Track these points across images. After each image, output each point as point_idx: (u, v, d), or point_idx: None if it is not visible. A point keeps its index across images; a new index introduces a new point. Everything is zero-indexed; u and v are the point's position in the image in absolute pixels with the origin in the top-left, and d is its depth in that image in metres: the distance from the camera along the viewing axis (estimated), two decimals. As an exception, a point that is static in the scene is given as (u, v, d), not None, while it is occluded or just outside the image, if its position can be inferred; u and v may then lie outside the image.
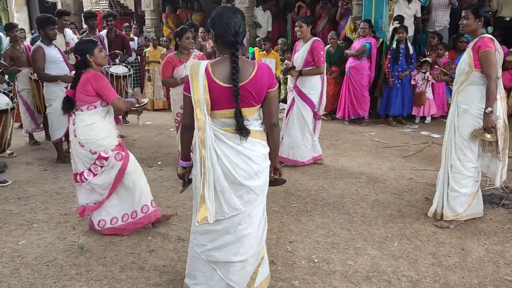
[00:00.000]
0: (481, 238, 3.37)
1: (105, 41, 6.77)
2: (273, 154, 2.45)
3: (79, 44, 3.52)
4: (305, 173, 4.93)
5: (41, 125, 6.35)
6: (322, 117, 7.82)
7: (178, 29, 4.80)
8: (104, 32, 6.94)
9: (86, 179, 3.39)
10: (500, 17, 8.11)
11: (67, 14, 6.63)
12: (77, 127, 3.35)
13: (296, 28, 4.97)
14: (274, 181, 2.60)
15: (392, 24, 7.31)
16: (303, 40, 5.00)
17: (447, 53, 7.41)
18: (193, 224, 2.44)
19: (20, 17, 13.32)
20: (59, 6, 13.02)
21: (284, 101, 8.40)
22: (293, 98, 5.08)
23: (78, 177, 3.46)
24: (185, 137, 2.39)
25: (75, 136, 3.36)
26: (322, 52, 4.89)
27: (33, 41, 6.80)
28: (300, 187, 4.51)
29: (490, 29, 3.35)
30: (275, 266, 3.03)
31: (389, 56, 7.18)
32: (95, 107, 3.33)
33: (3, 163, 5.29)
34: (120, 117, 6.58)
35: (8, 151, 5.62)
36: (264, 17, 9.97)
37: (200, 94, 2.18)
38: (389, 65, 7.19)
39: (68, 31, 6.72)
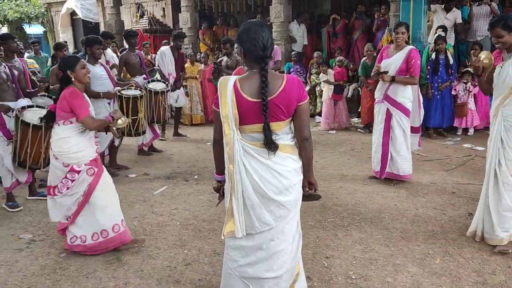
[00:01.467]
0: (532, 256, 3.18)
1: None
2: (307, 169, 2.40)
3: (63, 61, 3.57)
4: (342, 187, 4.85)
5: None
6: (360, 130, 7.80)
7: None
8: (167, 48, 7.20)
9: (60, 193, 3.41)
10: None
11: (111, 38, 6.97)
12: (52, 140, 3.45)
13: (397, 35, 4.66)
14: (309, 196, 2.53)
15: (436, 33, 7.14)
16: (397, 47, 4.74)
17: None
18: (227, 241, 2.42)
19: (65, 38, 13.97)
20: (101, 26, 13.63)
21: (320, 114, 8.37)
22: (387, 110, 4.75)
23: (51, 190, 3.48)
24: (217, 151, 2.40)
25: (51, 148, 3.46)
26: (419, 62, 4.71)
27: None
28: (337, 201, 4.43)
29: None
30: (311, 282, 2.98)
31: (429, 68, 7.01)
32: (71, 122, 3.37)
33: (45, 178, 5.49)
34: (158, 131, 6.76)
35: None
36: (299, 31, 9.99)
37: (228, 109, 2.20)
38: (428, 76, 7.01)
39: (108, 50, 7.01)
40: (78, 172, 3.36)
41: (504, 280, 2.89)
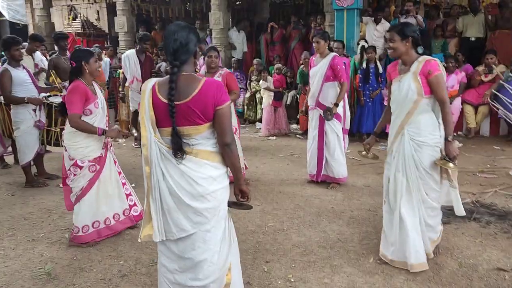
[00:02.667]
0: (454, 252, 3.40)
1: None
2: (235, 176, 2.32)
3: (76, 52, 3.72)
4: (282, 192, 4.92)
5: (9, 148, 6.17)
6: (298, 136, 7.99)
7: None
8: (131, 52, 6.94)
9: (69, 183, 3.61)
10: (465, 37, 8.43)
11: (41, 41, 6.56)
12: (64, 132, 3.64)
13: (314, 44, 4.94)
14: (241, 205, 2.41)
15: (358, 44, 7.54)
16: (320, 55, 4.94)
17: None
18: (158, 246, 2.36)
19: (-11, 40, 13.08)
20: (30, 29, 12.88)
21: (260, 120, 8.47)
22: (320, 116, 4.93)
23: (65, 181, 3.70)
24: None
25: (63, 140, 3.65)
26: (344, 67, 4.92)
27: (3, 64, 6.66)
28: (276, 206, 4.49)
29: (420, 49, 3.06)
30: (251, 287, 2.98)
31: (360, 76, 7.35)
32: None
33: (-32, 188, 5.08)
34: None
35: (-27, 176, 5.42)
36: (239, 38, 10.07)
37: (145, 110, 2.17)
38: (360, 84, 7.35)
39: (37, 53, 6.64)
40: (81, 167, 3.53)
41: (432, 276, 3.06)
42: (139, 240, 2.31)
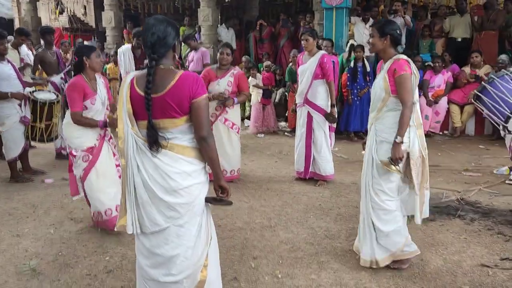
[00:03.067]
0: (439, 248, 3.44)
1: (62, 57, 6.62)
2: (213, 171, 2.28)
3: (79, 47, 3.98)
4: (270, 189, 4.93)
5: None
6: (287, 134, 8.01)
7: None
8: (127, 47, 6.84)
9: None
10: (452, 37, 8.53)
11: (27, 35, 6.47)
12: (63, 122, 3.83)
13: (302, 42, 4.90)
14: (220, 201, 2.35)
15: (348, 42, 7.57)
16: (309, 53, 4.91)
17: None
18: (135, 242, 2.36)
19: (-27, 33, 12.83)
20: (16, 23, 12.67)
21: (249, 117, 8.46)
22: (308, 114, 4.95)
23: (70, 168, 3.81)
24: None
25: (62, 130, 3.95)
26: (332, 66, 4.91)
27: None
28: (264, 203, 4.49)
29: (400, 48, 3.12)
30: (238, 282, 2.98)
31: (348, 75, 7.39)
32: None
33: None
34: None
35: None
36: (227, 35, 10.03)
37: (122, 103, 2.18)
38: (348, 83, 7.39)
39: (23, 47, 6.54)
40: (74, 156, 3.64)
41: (417, 272, 3.09)
42: (115, 229, 2.36)
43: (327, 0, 7.91)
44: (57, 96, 5.41)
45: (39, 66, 6.21)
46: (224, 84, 4.94)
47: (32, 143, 5.65)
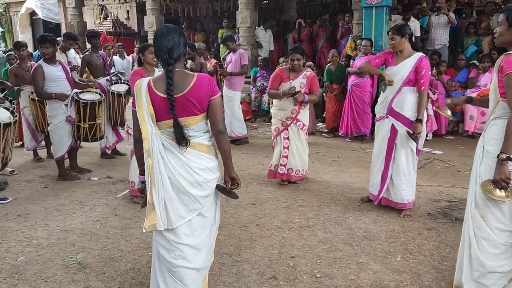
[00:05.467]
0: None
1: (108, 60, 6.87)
2: (225, 163, 2.47)
3: (139, 46, 4.76)
4: (307, 189, 4.91)
5: (42, 143, 6.39)
6: (324, 134, 7.94)
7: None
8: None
9: None
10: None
11: (74, 39, 6.73)
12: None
13: (389, 43, 4.06)
14: (229, 193, 2.50)
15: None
16: (401, 54, 4.02)
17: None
18: (154, 235, 2.50)
19: (24, 38, 13.46)
20: (63, 27, 13.25)
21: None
22: (392, 127, 4.04)
23: None
24: (138, 151, 2.49)
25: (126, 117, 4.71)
26: (429, 73, 4.07)
27: (37, 60, 6.89)
28: (302, 202, 4.48)
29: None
30: (276, 281, 2.99)
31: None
32: None
33: (4, 180, 5.28)
34: (123, 134, 6.63)
35: (9, 169, 5.63)
36: (265, 37, 10.08)
37: (144, 107, 2.33)
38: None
39: (71, 51, 6.83)
40: (130, 134, 4.32)
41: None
42: (144, 230, 2.40)
43: (367, -1, 7.79)
44: (101, 96, 5.60)
45: (86, 69, 6.47)
46: (296, 85, 4.85)
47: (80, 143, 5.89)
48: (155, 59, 4.29)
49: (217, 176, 2.48)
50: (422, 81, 3.90)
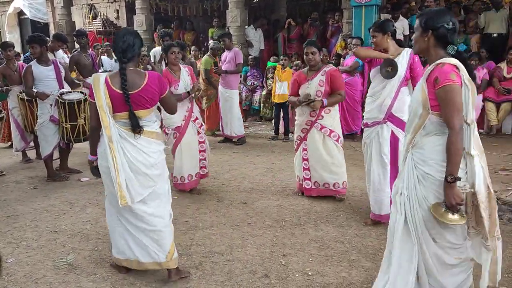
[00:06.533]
0: (475, 248, 3.35)
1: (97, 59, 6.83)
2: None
3: (164, 46, 4.87)
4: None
5: (31, 143, 6.32)
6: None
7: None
8: (158, 49, 7.13)
9: None
10: (487, 33, 8.28)
11: (63, 41, 6.68)
12: None
13: (371, 40, 3.77)
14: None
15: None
16: (391, 52, 3.64)
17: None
18: (108, 208, 3.01)
19: (12, 38, 13.29)
20: (51, 27, 13.12)
21: (270, 119, 8.44)
22: (392, 134, 3.64)
23: None
24: (93, 136, 2.93)
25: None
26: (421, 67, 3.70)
27: (25, 60, 6.81)
28: (293, 201, 4.49)
29: (451, 48, 2.21)
30: (268, 279, 2.99)
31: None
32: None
33: (-8, 181, 5.22)
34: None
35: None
36: (256, 36, 10.07)
37: (102, 100, 2.71)
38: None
39: (59, 51, 6.77)
40: (167, 134, 4.67)
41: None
42: (120, 205, 2.75)
43: (356, -2, 7.83)
44: (84, 95, 5.35)
45: (75, 68, 6.42)
46: (315, 84, 4.33)
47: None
48: (177, 59, 4.63)
49: (164, 158, 2.96)
50: (418, 78, 3.46)
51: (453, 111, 2.14)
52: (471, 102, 2.17)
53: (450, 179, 2.14)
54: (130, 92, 2.70)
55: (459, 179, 2.16)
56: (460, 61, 2.22)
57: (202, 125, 4.94)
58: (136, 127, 2.75)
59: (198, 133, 4.80)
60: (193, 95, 4.67)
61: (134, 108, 2.74)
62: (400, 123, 3.58)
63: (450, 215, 2.17)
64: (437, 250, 2.29)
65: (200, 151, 4.84)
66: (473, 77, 2.24)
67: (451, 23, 2.24)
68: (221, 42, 7.27)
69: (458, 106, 2.14)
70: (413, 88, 3.34)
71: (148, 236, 2.90)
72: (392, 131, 3.65)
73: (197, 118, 4.78)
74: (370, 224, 3.84)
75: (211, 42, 7.54)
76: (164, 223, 2.93)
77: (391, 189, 3.43)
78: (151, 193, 2.87)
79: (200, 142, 4.83)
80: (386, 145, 3.65)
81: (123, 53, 2.76)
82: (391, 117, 3.64)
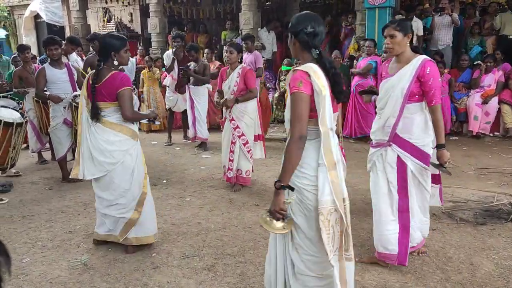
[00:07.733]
0: (490, 253, 3.30)
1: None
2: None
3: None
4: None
5: (47, 145, 6.41)
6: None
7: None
8: (171, 52, 7.22)
9: None
10: (503, 35, 8.17)
11: (78, 45, 6.79)
12: None
13: (389, 40, 3.02)
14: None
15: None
16: (397, 58, 3.09)
17: (446, 70, 7.45)
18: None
19: (29, 41, 13.52)
20: (67, 30, 13.31)
21: (282, 121, 8.42)
22: (399, 160, 3.04)
23: None
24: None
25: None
26: (439, 80, 3.11)
27: (41, 62, 6.92)
28: (305, 204, 4.47)
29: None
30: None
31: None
32: None
33: (8, 182, 5.31)
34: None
35: (13, 170, 5.66)
36: (268, 38, 10.08)
37: (83, 89, 3.38)
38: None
39: (73, 54, 6.86)
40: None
41: (468, 277, 2.99)
42: (70, 177, 3.52)
43: (369, 0, 7.79)
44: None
45: (89, 70, 6.49)
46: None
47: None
48: (228, 58, 4.99)
49: (122, 149, 3.29)
50: (432, 93, 2.94)
51: (294, 119, 2.10)
52: (326, 108, 2.09)
53: (278, 185, 2.09)
54: (96, 85, 3.21)
55: (291, 188, 2.10)
56: (320, 66, 2.14)
57: (238, 127, 4.94)
58: (93, 115, 3.26)
59: (234, 129, 4.96)
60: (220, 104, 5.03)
61: (96, 99, 3.24)
62: (407, 146, 3.01)
63: (274, 223, 2.11)
64: (299, 267, 2.22)
65: (230, 151, 5.02)
66: (338, 82, 2.17)
67: (310, 27, 2.15)
68: (244, 45, 7.05)
69: (298, 114, 2.08)
70: (429, 105, 2.99)
71: (99, 212, 3.49)
72: (398, 156, 3.05)
73: (233, 119, 4.93)
74: (365, 261, 3.25)
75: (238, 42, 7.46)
76: (111, 211, 3.41)
77: (399, 224, 3.08)
78: (105, 178, 3.32)
79: (231, 142, 5.00)
80: (391, 172, 3.06)
81: (98, 52, 3.42)
82: (396, 139, 3.04)
